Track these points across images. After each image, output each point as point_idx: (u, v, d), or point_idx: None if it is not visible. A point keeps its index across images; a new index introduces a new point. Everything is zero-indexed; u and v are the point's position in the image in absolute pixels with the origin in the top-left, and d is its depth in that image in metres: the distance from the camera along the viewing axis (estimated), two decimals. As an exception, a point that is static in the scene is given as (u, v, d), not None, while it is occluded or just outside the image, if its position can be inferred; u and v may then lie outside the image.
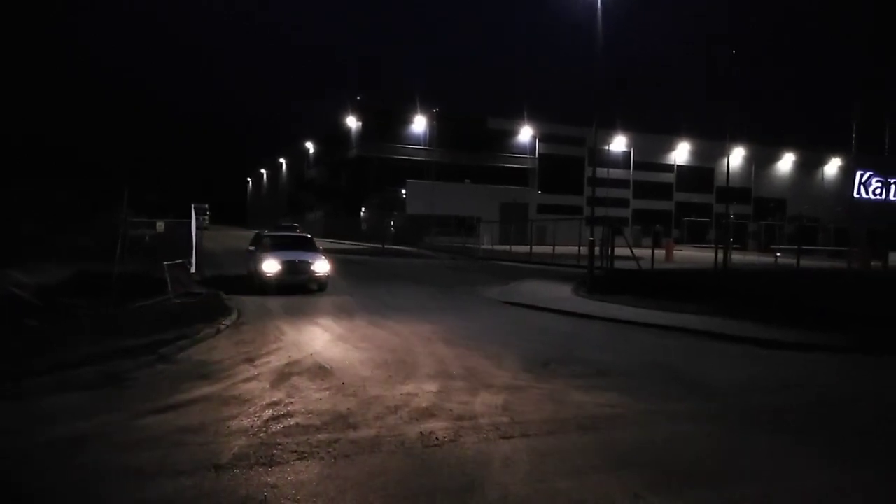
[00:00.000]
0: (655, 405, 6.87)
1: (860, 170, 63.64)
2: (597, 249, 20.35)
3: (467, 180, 53.64)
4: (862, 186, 66.34)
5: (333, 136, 60.61)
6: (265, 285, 15.12)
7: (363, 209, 55.82)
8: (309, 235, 18.17)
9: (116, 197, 14.12)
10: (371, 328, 11.26)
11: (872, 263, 29.01)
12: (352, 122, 55.81)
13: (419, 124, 54.37)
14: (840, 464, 5.27)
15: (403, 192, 51.80)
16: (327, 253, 18.11)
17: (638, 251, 21.09)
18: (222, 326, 10.68)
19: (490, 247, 36.06)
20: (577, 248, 27.10)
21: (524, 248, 32.73)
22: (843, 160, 64.04)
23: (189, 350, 9.01)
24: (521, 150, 57.45)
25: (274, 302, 14.15)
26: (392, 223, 49.24)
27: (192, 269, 18.56)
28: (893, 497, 4.66)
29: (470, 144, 54.82)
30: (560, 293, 17.13)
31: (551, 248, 30.49)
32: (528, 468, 4.95)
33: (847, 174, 63.48)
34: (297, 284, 15.49)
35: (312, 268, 15.63)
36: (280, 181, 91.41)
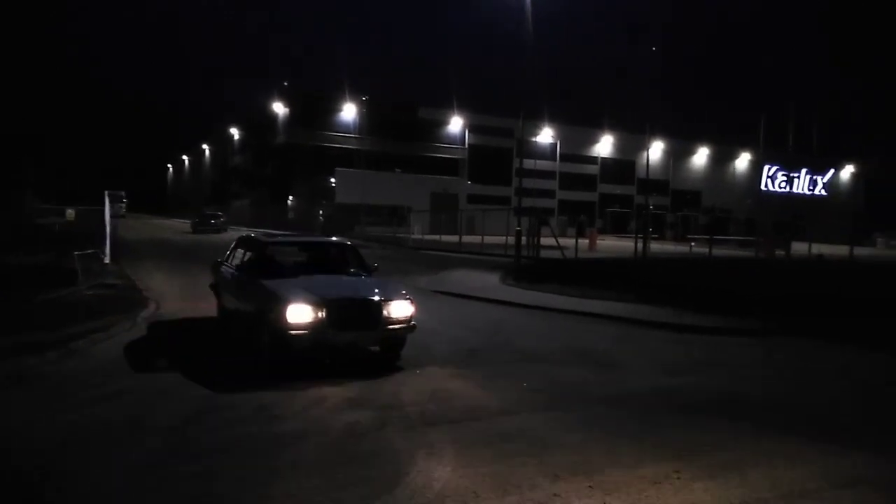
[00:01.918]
0: (577, 389, 7.13)
1: (767, 164, 67.81)
2: (524, 239, 20.83)
3: (398, 169, 53.43)
4: (769, 180, 70.76)
5: (260, 123, 58.94)
6: (286, 347, 7.37)
7: (290, 197, 54.64)
8: (348, 242, 10.34)
9: (20, 183, 13.26)
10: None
11: (777, 252, 31.02)
12: (279, 108, 54.40)
13: (349, 112, 53.62)
14: (747, 437, 5.64)
15: (333, 180, 51.04)
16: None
17: (563, 241, 21.72)
18: (140, 318, 10.25)
19: (420, 236, 36.16)
20: (505, 237, 27.57)
21: (454, 238, 33.01)
22: (752, 155, 67.96)
23: (104, 344, 8.60)
24: (452, 140, 57.72)
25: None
26: (321, 212, 48.47)
27: (107, 260, 17.70)
28: (787, 466, 5.03)
29: (400, 133, 54.56)
30: (488, 282, 17.41)
31: (480, 237, 30.91)
32: (454, 454, 5.04)
33: (756, 168, 67.69)
34: (353, 346, 8.10)
35: (387, 312, 7.72)
36: (203, 168, 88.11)
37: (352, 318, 7.62)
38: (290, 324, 7.25)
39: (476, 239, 31.37)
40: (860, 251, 31.40)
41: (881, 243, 51.02)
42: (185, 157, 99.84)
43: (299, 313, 7.31)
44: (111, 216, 20.16)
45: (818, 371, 8.68)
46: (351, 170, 50.84)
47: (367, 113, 53.60)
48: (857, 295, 14.94)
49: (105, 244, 18.36)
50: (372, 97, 53.93)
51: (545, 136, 59.58)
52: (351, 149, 52.81)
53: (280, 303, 7.40)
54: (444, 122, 57.07)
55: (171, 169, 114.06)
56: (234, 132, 69.13)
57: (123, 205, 61.43)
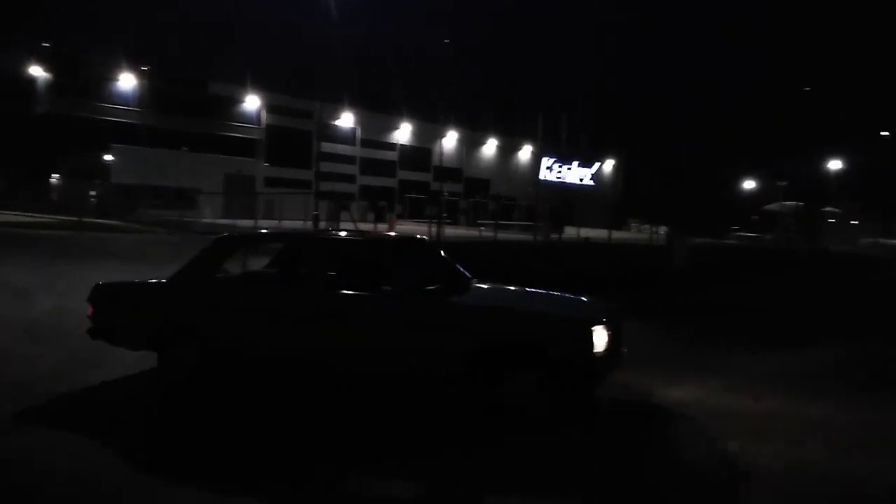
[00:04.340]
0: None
1: (545, 156, 74.98)
2: (323, 224, 20.85)
3: (185, 148, 49.60)
4: (547, 170, 78.32)
5: (11, 88, 50.53)
6: (590, 389, 5.61)
7: (56, 176, 47.89)
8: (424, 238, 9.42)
9: None
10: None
11: (552, 236, 34.77)
12: (37, 71, 47.14)
13: (127, 82, 48.36)
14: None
15: (108, 157, 45.80)
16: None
17: (363, 225, 22.15)
18: None
19: (212, 220, 34.17)
20: (304, 222, 27.25)
21: (250, 222, 31.73)
22: (533, 147, 74.84)
23: None
24: (248, 119, 55.00)
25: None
26: (93, 193, 43.27)
27: None
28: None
29: (189, 109, 50.64)
30: (286, 267, 17.15)
31: (278, 221, 30.14)
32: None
33: (536, 160, 74.69)
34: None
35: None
36: (-67, 137, 73.21)
37: (617, 340, 5.64)
38: (594, 354, 5.05)
39: (274, 223, 30.51)
40: (617, 235, 36.49)
41: (634, 228, 59.93)
42: None
43: (602, 337, 5.12)
44: None
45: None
46: (130, 146, 46.11)
47: (149, 85, 48.84)
48: (616, 271, 17.49)
49: None
50: (155, 68, 49.26)
51: (346, 120, 59.51)
52: (131, 123, 47.79)
53: (572, 324, 5.22)
54: (239, 100, 54.17)
55: None
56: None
57: None
